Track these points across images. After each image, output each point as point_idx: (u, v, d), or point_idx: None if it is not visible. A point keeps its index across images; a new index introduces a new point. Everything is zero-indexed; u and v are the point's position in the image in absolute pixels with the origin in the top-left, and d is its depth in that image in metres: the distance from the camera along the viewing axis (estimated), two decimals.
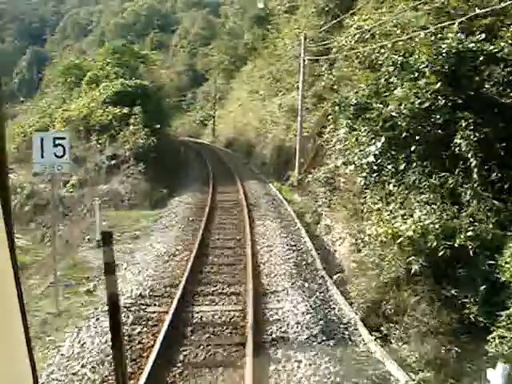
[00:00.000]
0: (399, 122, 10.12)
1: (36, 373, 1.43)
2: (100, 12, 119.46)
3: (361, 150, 11.00)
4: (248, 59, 47.73)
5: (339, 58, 18.82)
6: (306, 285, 9.98)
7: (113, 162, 22.83)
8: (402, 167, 9.97)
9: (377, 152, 10.47)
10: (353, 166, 11.46)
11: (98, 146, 24.70)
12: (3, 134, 1.27)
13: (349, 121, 10.94)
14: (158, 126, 25.53)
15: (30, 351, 1.39)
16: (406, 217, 9.05)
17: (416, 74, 10.40)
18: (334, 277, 10.62)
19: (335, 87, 21.79)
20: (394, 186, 10.19)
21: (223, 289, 9.95)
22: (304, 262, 11.36)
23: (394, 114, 10.13)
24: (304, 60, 23.44)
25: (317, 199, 18.14)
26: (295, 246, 12.77)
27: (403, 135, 10.06)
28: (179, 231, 14.63)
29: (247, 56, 49.35)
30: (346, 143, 12.34)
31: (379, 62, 13.03)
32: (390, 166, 10.33)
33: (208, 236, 13.83)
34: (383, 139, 10.16)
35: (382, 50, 12.86)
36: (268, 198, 20.32)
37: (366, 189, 11.77)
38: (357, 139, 11.43)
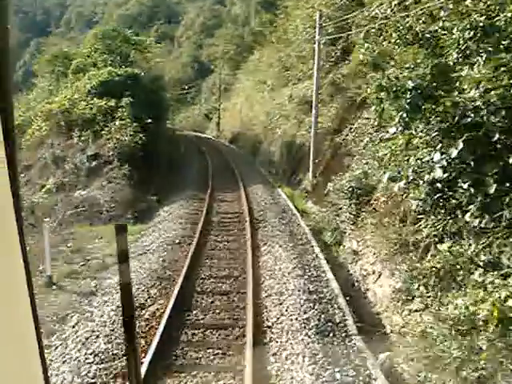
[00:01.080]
0: (485, 117, 6.28)
1: (47, 374, 1.40)
2: (104, 4, 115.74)
3: (419, 159, 7.16)
4: (255, 48, 43.82)
5: (371, 31, 14.84)
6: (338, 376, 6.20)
7: (94, 162, 19.11)
8: (491, 190, 6.13)
9: (446, 163, 6.63)
10: (402, 182, 7.62)
11: (81, 143, 21.00)
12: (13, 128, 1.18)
13: (404, 114, 7.07)
14: (150, 120, 21.73)
15: (41, 352, 1.36)
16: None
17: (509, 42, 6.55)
18: (380, 356, 6.75)
19: (364, 70, 17.98)
20: (476, 217, 6.35)
21: None
22: (330, 324, 7.52)
23: (478, 103, 6.29)
24: (319, 42, 19.54)
25: (338, 213, 14.36)
26: (315, 291, 8.93)
27: (494, 138, 6.22)
28: (158, 262, 10.84)
29: (254, 45, 45.41)
30: (392, 147, 8.47)
31: (433, 34, 9.12)
32: (468, 187, 6.49)
33: (195, 273, 10.03)
34: (460, 144, 6.31)
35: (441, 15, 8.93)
36: (277, 208, 16.52)
37: (420, 214, 7.94)
38: (410, 141, 7.58)
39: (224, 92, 54.74)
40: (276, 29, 30.01)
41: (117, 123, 20.66)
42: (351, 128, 18.47)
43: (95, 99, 22.26)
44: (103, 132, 20.63)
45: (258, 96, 35.12)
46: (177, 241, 12.53)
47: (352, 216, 12.98)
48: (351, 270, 11.20)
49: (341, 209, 14.05)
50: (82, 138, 21.06)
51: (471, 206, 6.48)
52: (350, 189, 12.92)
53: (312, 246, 12.25)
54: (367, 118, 15.41)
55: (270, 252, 11.33)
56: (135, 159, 19.16)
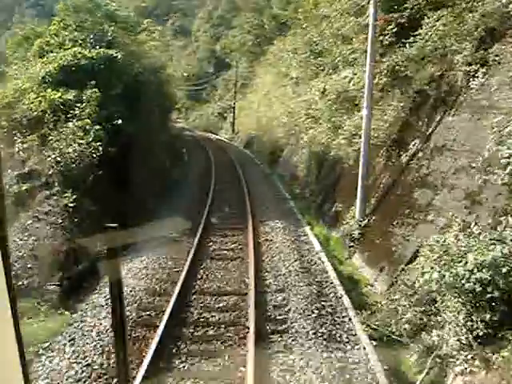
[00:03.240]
0: None
1: (27, 373, 1.39)
2: None
3: None
4: (275, 38, 36.66)
5: None
6: None
7: (25, 185, 12.11)
8: None
9: None
10: None
11: (22, 153, 14.12)
12: None
13: None
14: (120, 121, 14.73)
15: (21, 352, 1.36)
16: None
17: None
18: None
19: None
20: None
21: None
22: None
23: None
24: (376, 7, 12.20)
25: (428, 310, 7.20)
26: None
27: None
28: None
29: (274, 34, 38.25)
30: None
31: None
32: None
33: None
34: None
35: None
36: (305, 274, 9.36)
37: None
38: None
39: (241, 88, 47.64)
40: (303, 3, 22.62)
41: (70, 125, 13.70)
42: (427, 139, 11.24)
43: (49, 90, 15.33)
44: (51, 137, 13.68)
45: (279, 92, 27.95)
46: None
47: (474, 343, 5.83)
48: None
49: (435, 302, 6.93)
50: (25, 146, 14.18)
51: None
52: (476, 285, 5.73)
53: None
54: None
55: None
56: (89, 181, 12.18)
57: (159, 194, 16.36)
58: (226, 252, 10.68)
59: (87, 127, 13.73)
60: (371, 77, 12.04)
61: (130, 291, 8.51)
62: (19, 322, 1.34)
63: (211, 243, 11.36)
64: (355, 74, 15.91)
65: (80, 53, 16.83)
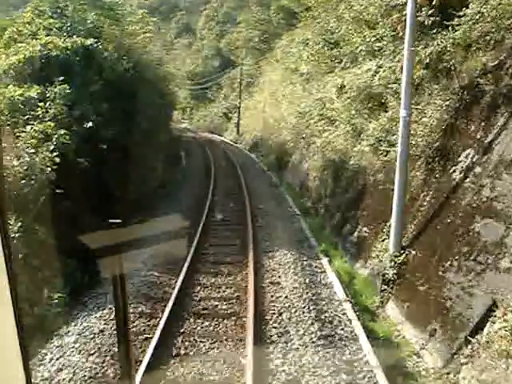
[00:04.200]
0: None
1: (29, 373, 1.39)
2: None
3: None
4: (283, 34, 33.81)
5: None
6: None
7: None
8: None
9: None
10: None
11: None
12: None
13: None
14: (90, 123, 11.90)
15: (23, 352, 1.36)
16: None
17: None
18: None
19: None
20: None
21: None
22: None
23: None
24: None
25: None
26: None
27: None
28: None
29: (282, 31, 35.34)
30: None
31: None
32: None
33: None
34: None
35: None
36: (327, 346, 6.48)
37: None
38: None
39: (246, 87, 44.78)
40: None
41: (28, 129, 10.86)
42: (486, 149, 8.31)
43: (10, 86, 12.52)
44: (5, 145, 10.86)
45: (287, 90, 25.03)
46: None
47: None
48: None
49: None
50: None
51: None
52: None
53: None
54: None
55: None
56: (44, 203, 9.34)
57: (144, 214, 13.53)
58: (214, 312, 7.69)
59: (49, 132, 10.91)
60: (410, 67, 9.10)
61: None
62: (22, 321, 1.32)
63: (196, 290, 8.44)
64: (380, 67, 13.00)
65: (51, 42, 14.01)
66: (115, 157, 13.59)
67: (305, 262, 9.83)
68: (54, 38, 14.31)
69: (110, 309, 7.64)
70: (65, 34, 15.42)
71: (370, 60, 14.03)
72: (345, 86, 13.95)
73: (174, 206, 14.66)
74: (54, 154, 9.91)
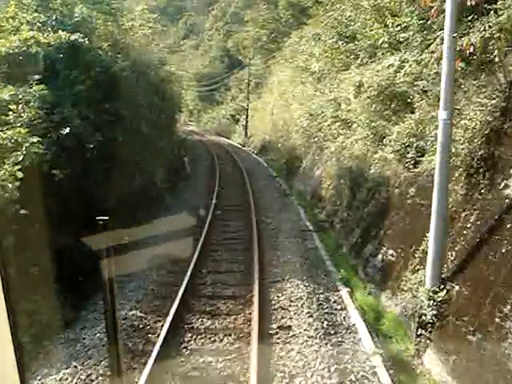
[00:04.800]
0: None
1: (24, 375, 1.39)
2: None
3: None
4: (291, 32, 32.04)
5: None
6: None
7: None
8: None
9: None
10: None
11: None
12: None
13: None
14: (68, 130, 10.21)
15: (17, 354, 1.35)
16: None
17: None
18: None
19: None
20: None
21: None
22: None
23: None
24: None
25: None
26: None
27: None
28: None
29: (291, 30, 33.54)
30: None
31: None
32: None
33: None
34: None
35: None
36: None
37: None
38: None
39: (254, 88, 43.07)
40: None
41: None
42: None
43: None
44: None
45: (297, 90, 23.25)
46: None
47: None
48: None
49: None
50: None
51: None
52: None
53: None
54: None
55: None
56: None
57: (135, 236, 11.82)
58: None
59: (20, 139, 9.27)
60: (452, 57, 7.30)
61: None
62: (17, 325, 1.32)
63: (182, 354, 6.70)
64: (404, 62, 11.21)
65: (32, 37, 12.40)
66: (103, 167, 11.96)
67: (321, 296, 8.07)
68: (36, 33, 12.70)
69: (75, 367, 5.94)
70: (49, 28, 13.84)
71: (392, 54, 12.26)
72: (363, 85, 12.16)
73: (172, 222, 12.96)
74: (17, 166, 8.24)
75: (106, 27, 16.58)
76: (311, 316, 7.21)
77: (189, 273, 8.68)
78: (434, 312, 7.04)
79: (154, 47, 24.61)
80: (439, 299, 7.09)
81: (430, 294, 7.19)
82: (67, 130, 10.08)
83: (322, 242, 11.56)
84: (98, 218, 1.78)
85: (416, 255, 8.38)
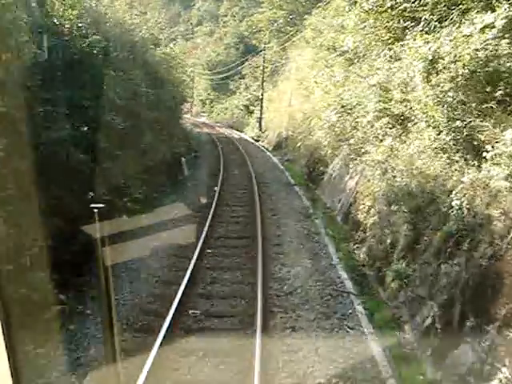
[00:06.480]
0: None
1: (18, 375, 1.33)
2: None
3: None
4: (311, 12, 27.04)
5: None
6: None
7: None
8: None
9: None
10: None
11: None
12: None
13: None
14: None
15: (10, 354, 1.31)
16: None
17: None
18: None
19: None
20: None
21: None
22: None
23: None
24: None
25: None
26: None
27: None
28: None
29: (310, 10, 28.46)
30: None
31: None
32: None
33: None
34: None
35: None
36: None
37: None
38: None
39: (270, 76, 38.14)
40: None
41: None
42: None
43: None
44: None
45: (322, 76, 18.30)
46: None
47: None
48: None
49: None
50: None
51: None
52: None
53: None
54: None
55: None
56: None
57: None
58: None
59: None
60: None
61: None
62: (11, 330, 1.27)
63: None
64: None
65: None
66: (71, 170, 7.51)
67: None
68: None
69: None
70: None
71: (480, 12, 7.41)
72: (443, 58, 7.27)
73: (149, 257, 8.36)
74: None
75: None
76: None
77: None
78: None
79: (147, 24, 19.98)
80: None
81: None
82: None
83: (370, 322, 6.78)
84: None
85: None
